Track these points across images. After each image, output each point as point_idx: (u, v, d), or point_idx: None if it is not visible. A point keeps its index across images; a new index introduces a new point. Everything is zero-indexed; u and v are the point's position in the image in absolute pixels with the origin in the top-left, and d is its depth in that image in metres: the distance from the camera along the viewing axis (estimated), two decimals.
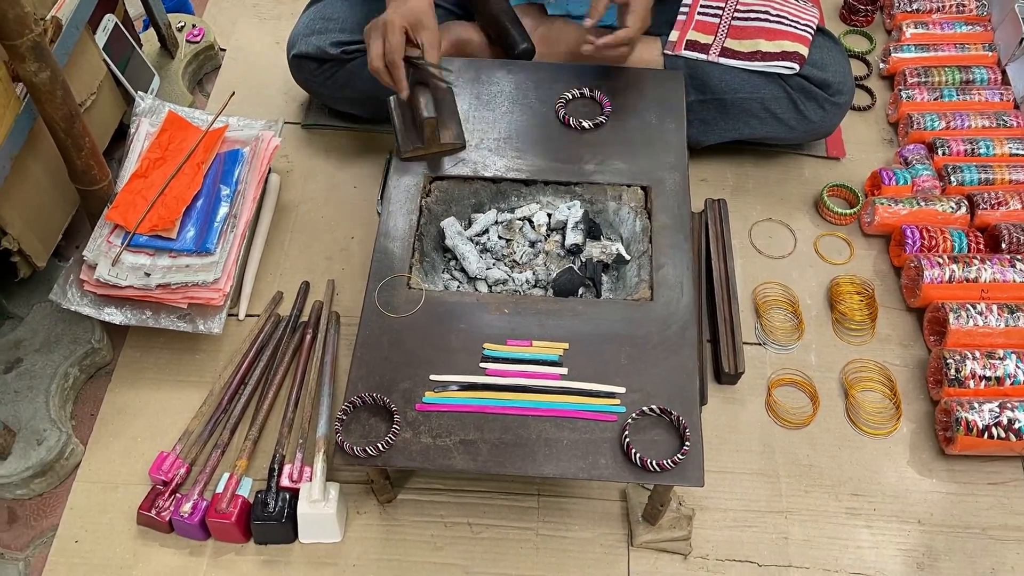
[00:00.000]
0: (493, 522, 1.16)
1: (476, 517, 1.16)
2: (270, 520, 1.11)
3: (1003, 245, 1.36)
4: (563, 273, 1.16)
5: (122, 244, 1.24)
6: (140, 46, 1.55)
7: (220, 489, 1.13)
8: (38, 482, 1.18)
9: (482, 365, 1.04)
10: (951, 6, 1.74)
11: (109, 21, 1.43)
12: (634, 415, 1.00)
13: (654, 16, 1.44)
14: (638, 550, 1.14)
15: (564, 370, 1.04)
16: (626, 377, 1.03)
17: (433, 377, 1.03)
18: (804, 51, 1.37)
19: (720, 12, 1.43)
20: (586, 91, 1.30)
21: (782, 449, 1.23)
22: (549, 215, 1.23)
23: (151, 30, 1.63)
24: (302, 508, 1.11)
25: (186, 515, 1.11)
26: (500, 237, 1.21)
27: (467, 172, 1.24)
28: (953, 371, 1.22)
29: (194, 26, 1.67)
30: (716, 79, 1.40)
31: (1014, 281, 1.30)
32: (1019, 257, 1.32)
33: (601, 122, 1.26)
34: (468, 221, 1.25)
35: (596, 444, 0.99)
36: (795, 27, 1.39)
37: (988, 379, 1.21)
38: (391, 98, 1.28)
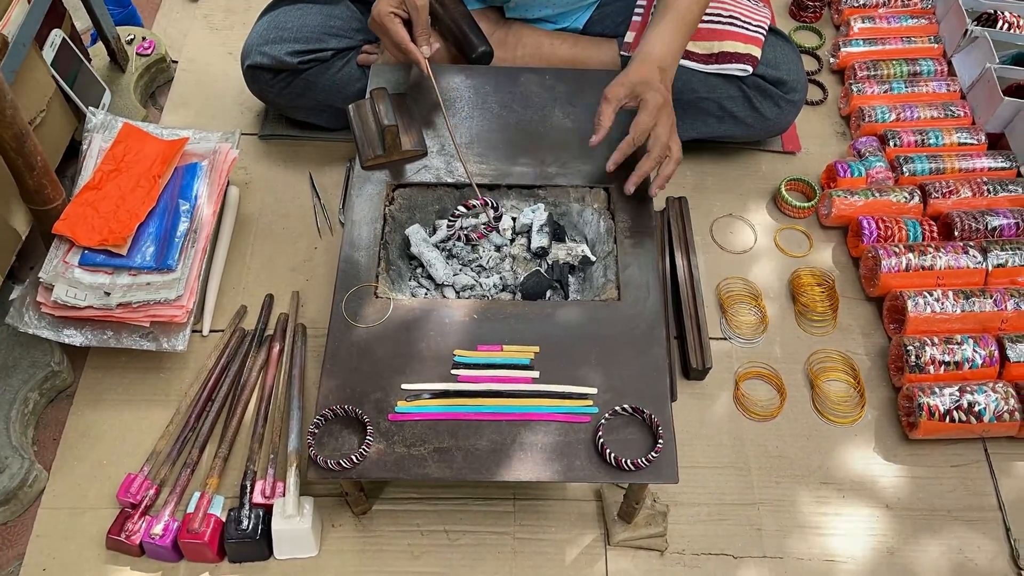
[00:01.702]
0: (470, 528, 1.16)
1: (453, 524, 1.16)
2: (244, 538, 1.09)
3: (956, 232, 1.40)
4: (530, 276, 1.16)
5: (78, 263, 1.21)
6: (89, 60, 1.52)
7: (191, 509, 1.11)
8: (1, 511, 1.15)
9: (453, 372, 1.04)
10: (897, 0, 1.79)
11: (56, 36, 1.40)
12: (607, 415, 1.00)
13: (611, 18, 1.45)
14: (615, 549, 1.15)
15: (536, 373, 1.04)
16: (597, 377, 1.04)
17: (404, 386, 1.03)
18: (757, 52, 1.39)
19: None
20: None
21: (752, 441, 1.25)
22: (514, 219, 1.23)
23: (100, 44, 1.59)
24: (276, 524, 1.09)
25: (157, 537, 1.09)
26: (466, 243, 1.21)
27: (430, 178, 1.23)
28: (913, 358, 1.25)
29: (144, 39, 1.64)
30: (674, 80, 1.41)
31: (968, 267, 1.34)
32: (972, 244, 1.36)
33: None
34: (433, 227, 1.25)
35: (570, 446, 0.99)
36: (747, 28, 1.41)
37: (947, 364, 1.24)
38: (350, 107, 1.27)
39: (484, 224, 1.21)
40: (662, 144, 1.14)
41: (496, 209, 1.19)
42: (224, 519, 1.12)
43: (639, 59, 1.19)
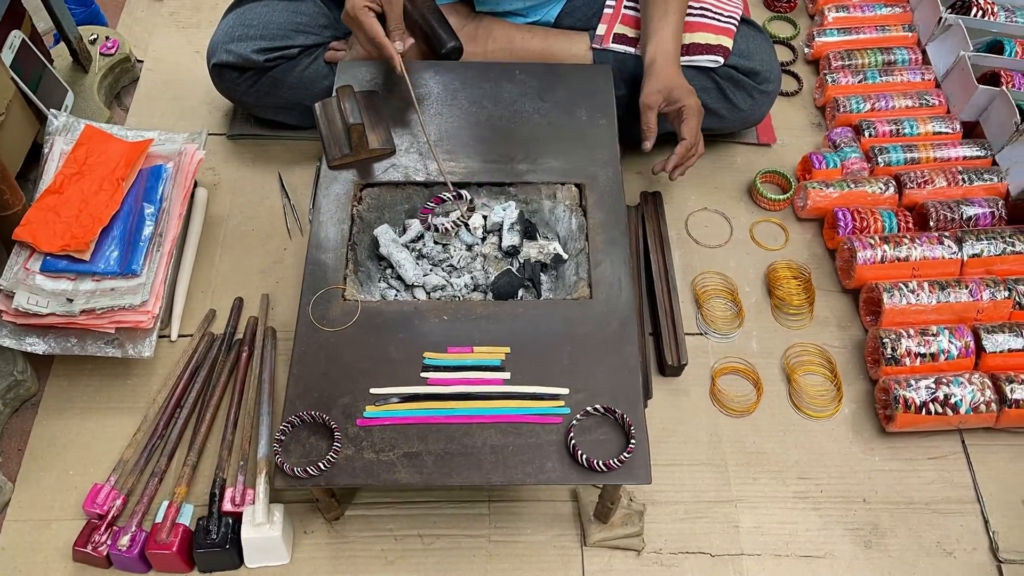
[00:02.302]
0: (444, 532, 1.14)
1: (426, 528, 1.14)
2: (213, 547, 1.07)
3: (931, 223, 1.39)
4: (502, 276, 1.15)
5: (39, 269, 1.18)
6: (51, 62, 1.49)
7: (159, 519, 1.09)
8: None
9: (423, 375, 1.02)
10: None
11: (16, 38, 1.37)
12: (578, 416, 0.99)
13: (582, 10, 1.43)
14: (591, 549, 1.14)
15: (507, 374, 1.02)
16: (569, 378, 1.02)
17: (373, 390, 1.01)
18: (729, 43, 1.38)
19: None
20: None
21: (729, 438, 1.24)
22: (484, 217, 1.22)
23: (62, 44, 1.56)
24: (246, 532, 1.07)
25: (124, 548, 1.07)
26: (436, 242, 1.19)
27: (398, 177, 1.21)
28: (889, 350, 1.24)
29: (108, 38, 1.61)
30: None
31: (943, 258, 1.33)
32: (947, 234, 1.35)
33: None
34: (402, 227, 1.23)
35: (542, 448, 0.98)
36: (719, 19, 1.39)
37: (923, 356, 1.24)
38: (316, 105, 1.25)
39: (456, 219, 1.19)
40: (701, 141, 1.32)
41: (470, 201, 1.17)
42: (193, 528, 1.10)
43: (662, 60, 1.29)
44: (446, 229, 1.17)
